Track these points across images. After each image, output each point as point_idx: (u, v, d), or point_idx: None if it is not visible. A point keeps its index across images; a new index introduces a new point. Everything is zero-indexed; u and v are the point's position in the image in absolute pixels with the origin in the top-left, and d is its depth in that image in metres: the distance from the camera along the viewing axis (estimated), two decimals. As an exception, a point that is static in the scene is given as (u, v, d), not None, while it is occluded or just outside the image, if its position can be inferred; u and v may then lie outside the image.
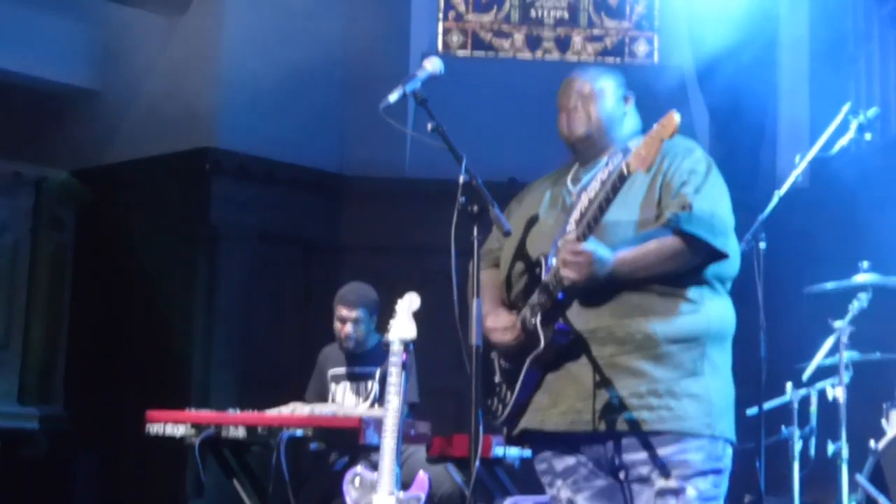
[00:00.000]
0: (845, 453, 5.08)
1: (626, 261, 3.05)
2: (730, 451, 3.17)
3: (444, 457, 5.17)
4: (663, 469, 3.06)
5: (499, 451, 5.12)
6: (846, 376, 5.18)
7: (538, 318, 3.13)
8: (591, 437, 3.13)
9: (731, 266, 3.18)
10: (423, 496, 4.30)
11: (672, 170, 3.14)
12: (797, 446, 5.41)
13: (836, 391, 5.20)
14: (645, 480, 3.10)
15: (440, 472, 5.17)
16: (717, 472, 3.12)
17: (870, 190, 7.01)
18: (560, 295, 3.11)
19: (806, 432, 5.50)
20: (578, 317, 3.12)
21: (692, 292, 3.12)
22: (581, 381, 3.10)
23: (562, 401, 3.12)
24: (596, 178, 3.26)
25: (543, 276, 3.15)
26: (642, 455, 3.08)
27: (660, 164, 3.11)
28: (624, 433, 3.08)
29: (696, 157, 3.21)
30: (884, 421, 5.39)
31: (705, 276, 3.14)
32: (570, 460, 3.22)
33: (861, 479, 5.14)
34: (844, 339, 5.22)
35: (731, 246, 3.15)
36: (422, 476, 4.37)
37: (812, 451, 5.50)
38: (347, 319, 5.50)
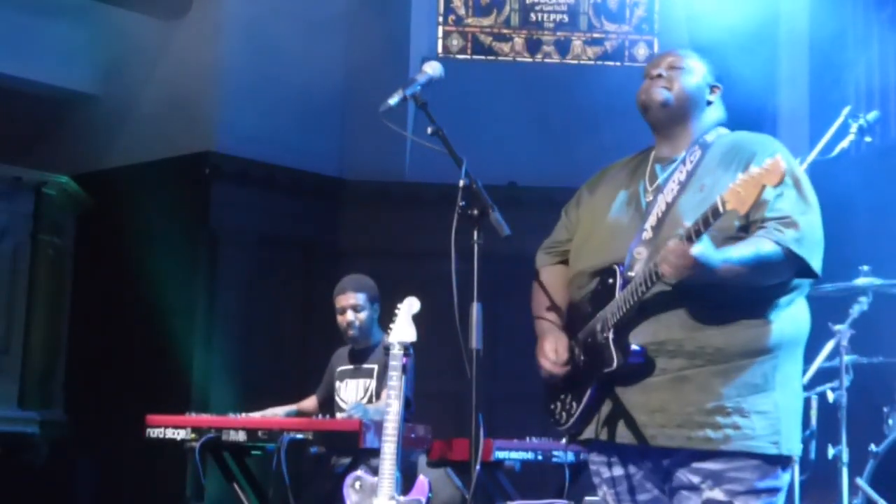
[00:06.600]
0: (846, 457, 5.08)
1: (731, 269, 2.88)
2: (790, 465, 3.04)
3: (444, 461, 5.17)
4: (715, 481, 2.96)
5: (499, 454, 5.13)
6: (846, 380, 5.17)
7: (611, 334, 3.01)
8: (651, 450, 3.03)
9: (814, 280, 3.10)
10: (423, 500, 4.31)
11: None
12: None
13: (837, 395, 5.20)
14: (694, 489, 3.00)
15: (440, 476, 5.17)
16: (773, 491, 3.00)
17: (870, 193, 7.00)
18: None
19: (806, 436, 5.48)
20: (647, 328, 3.00)
21: (770, 301, 3.01)
22: (647, 394, 2.99)
23: (628, 414, 3.02)
24: (673, 179, 3.13)
25: (618, 290, 3.03)
26: (697, 465, 2.98)
27: (747, 164, 2.92)
28: (686, 449, 2.98)
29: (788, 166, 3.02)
30: (884, 425, 5.38)
31: (788, 285, 3.04)
32: (618, 470, 3.13)
33: (862, 482, 5.13)
34: (845, 343, 5.21)
35: (821, 265, 3.06)
36: (422, 480, 4.37)
37: (812, 455, 5.48)
38: (347, 307, 5.47)
